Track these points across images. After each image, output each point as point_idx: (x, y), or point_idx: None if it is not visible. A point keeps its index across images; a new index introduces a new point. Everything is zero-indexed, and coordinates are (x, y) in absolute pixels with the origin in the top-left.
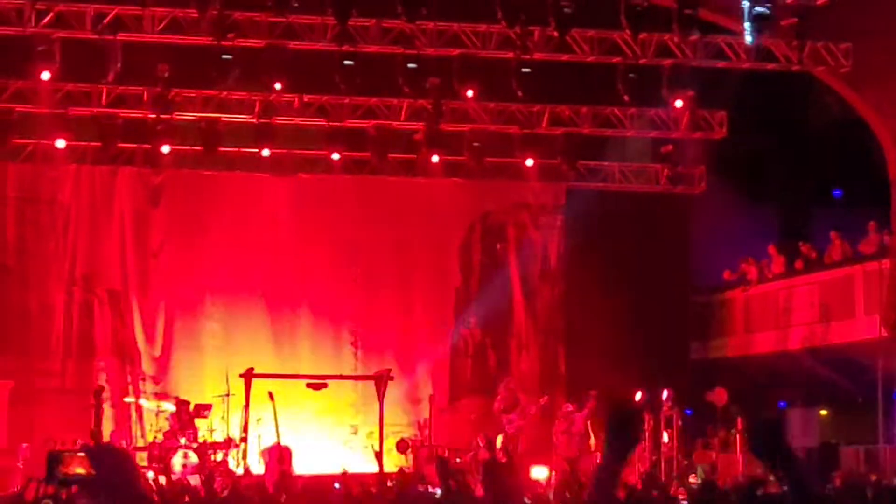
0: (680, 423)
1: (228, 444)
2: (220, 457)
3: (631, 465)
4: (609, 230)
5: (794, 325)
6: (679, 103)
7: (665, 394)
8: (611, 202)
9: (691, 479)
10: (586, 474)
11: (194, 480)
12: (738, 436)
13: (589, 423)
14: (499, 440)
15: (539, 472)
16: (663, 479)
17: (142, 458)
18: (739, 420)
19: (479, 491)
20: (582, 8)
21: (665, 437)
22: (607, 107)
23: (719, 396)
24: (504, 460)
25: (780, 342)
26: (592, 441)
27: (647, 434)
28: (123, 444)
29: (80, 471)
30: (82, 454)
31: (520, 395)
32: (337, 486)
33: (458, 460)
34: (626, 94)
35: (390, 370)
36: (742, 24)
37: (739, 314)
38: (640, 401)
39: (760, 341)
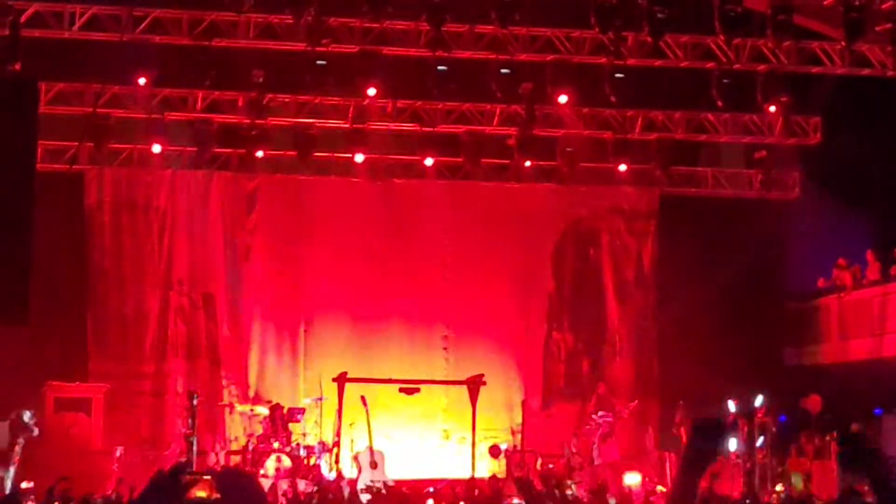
0: (774, 430)
1: (321, 448)
2: (313, 461)
3: (725, 474)
4: (702, 236)
5: (889, 332)
6: (773, 108)
7: (759, 401)
8: (704, 207)
9: (778, 488)
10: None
11: (286, 485)
12: (832, 443)
13: (683, 430)
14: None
15: (631, 479)
16: (757, 485)
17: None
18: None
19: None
20: (676, 13)
21: (759, 444)
22: (701, 112)
23: (814, 403)
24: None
25: (875, 349)
26: None
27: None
28: (217, 447)
29: (202, 494)
30: (207, 477)
31: (611, 401)
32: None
33: (550, 466)
34: (720, 99)
35: (483, 375)
36: (836, 30)
37: (834, 320)
38: (730, 416)
39: (855, 348)
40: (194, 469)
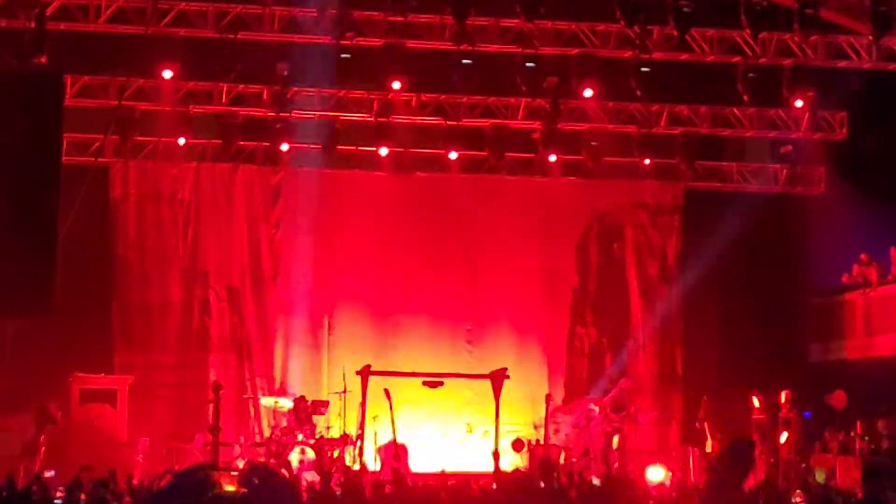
0: (798, 425)
1: (345, 440)
2: (336, 453)
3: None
4: (727, 230)
5: None
6: (799, 103)
7: (784, 396)
8: (729, 202)
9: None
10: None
11: (310, 477)
12: (856, 439)
13: (707, 424)
14: (615, 441)
15: (655, 473)
16: (780, 481)
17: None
18: (858, 423)
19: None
20: (702, 7)
21: (783, 440)
22: (726, 106)
23: (839, 399)
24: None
25: None
26: (709, 444)
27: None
28: (241, 439)
29: (231, 489)
30: (234, 473)
31: (632, 399)
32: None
33: (573, 460)
34: (746, 93)
35: (506, 369)
36: (864, 24)
37: (859, 316)
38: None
39: (881, 344)
40: (218, 461)
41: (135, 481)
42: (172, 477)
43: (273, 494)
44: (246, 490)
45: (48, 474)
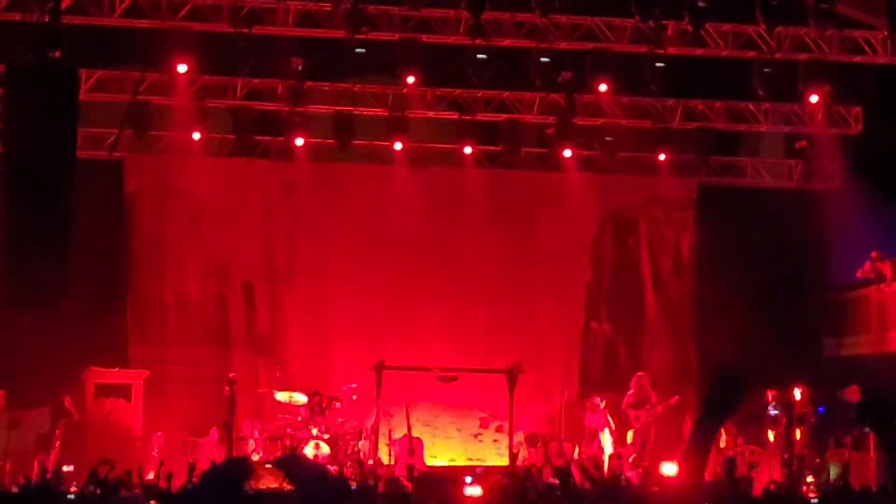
0: (813, 420)
1: (359, 435)
2: (351, 448)
3: (763, 464)
4: (742, 226)
5: None
6: (814, 98)
7: (798, 391)
8: (744, 197)
9: (809, 479)
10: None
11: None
12: (871, 434)
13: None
14: (629, 436)
15: (669, 469)
16: (796, 476)
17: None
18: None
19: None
20: (717, 2)
21: (798, 435)
22: (741, 101)
23: (853, 394)
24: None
25: None
26: (724, 439)
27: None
28: (256, 434)
29: (272, 485)
30: (272, 466)
31: (651, 392)
32: (469, 479)
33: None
34: (761, 88)
35: (521, 364)
36: (879, 19)
37: (874, 311)
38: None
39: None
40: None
41: (149, 476)
42: (208, 472)
43: (324, 490)
44: (293, 487)
45: (66, 469)
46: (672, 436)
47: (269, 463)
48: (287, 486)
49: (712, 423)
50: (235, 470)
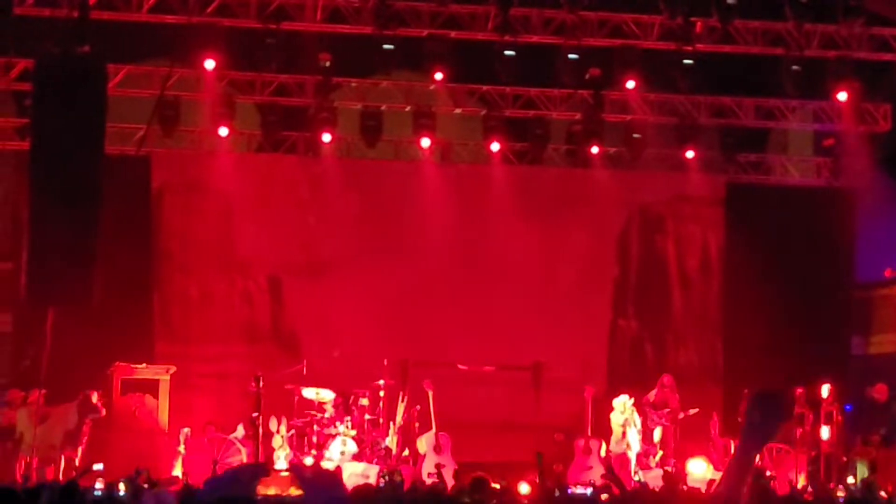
0: (840, 418)
1: (386, 432)
2: (378, 445)
3: (781, 473)
4: (769, 223)
5: None
6: (843, 96)
7: (825, 389)
8: (772, 195)
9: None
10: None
11: (352, 468)
12: None
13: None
14: (657, 433)
15: (695, 466)
16: (823, 474)
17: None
18: None
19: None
20: None
21: (825, 433)
22: (770, 99)
23: (881, 392)
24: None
25: None
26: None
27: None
28: (283, 430)
29: (277, 491)
30: (286, 474)
31: (673, 396)
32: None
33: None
34: (789, 86)
35: (546, 361)
36: None
37: None
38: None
39: None
40: (259, 452)
41: (175, 472)
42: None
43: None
44: (301, 492)
45: (96, 467)
46: (697, 435)
47: (282, 471)
48: (289, 494)
49: (754, 443)
50: (247, 475)
